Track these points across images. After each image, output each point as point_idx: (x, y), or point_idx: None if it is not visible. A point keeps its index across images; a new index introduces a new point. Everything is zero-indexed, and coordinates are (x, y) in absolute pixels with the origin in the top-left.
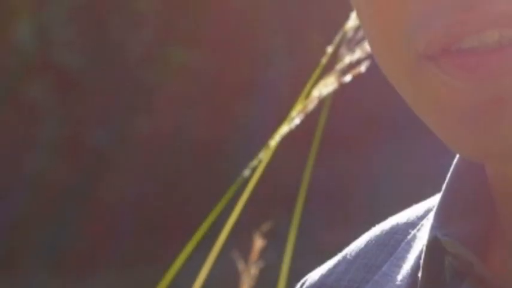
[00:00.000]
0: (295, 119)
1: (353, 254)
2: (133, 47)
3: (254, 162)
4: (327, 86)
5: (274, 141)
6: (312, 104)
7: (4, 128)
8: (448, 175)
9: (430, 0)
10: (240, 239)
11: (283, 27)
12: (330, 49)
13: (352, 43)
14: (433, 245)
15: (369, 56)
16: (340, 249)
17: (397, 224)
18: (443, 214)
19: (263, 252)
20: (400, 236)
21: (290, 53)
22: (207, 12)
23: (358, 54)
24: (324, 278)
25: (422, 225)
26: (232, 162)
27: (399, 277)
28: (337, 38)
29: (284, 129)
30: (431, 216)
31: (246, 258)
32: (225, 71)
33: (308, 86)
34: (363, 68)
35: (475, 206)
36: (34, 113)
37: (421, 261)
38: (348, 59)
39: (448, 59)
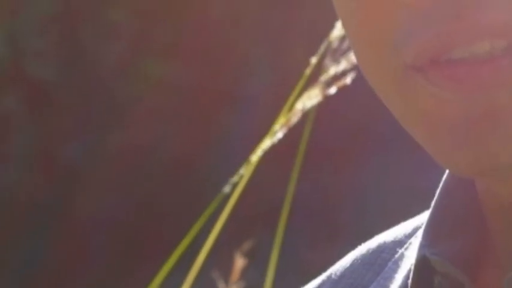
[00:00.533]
0: (278, 132)
1: (338, 273)
2: (107, 58)
3: (235, 178)
4: (311, 99)
5: (256, 156)
6: (295, 117)
7: None
8: (437, 191)
9: (419, 10)
10: (220, 258)
11: (265, 37)
12: (314, 60)
13: (337, 53)
14: (422, 264)
15: (354, 67)
16: (324, 269)
17: (384, 243)
18: (432, 232)
19: (244, 271)
20: (387, 255)
21: (272, 63)
22: (185, 21)
23: (343, 65)
24: None
25: (410, 243)
26: (212, 178)
27: None
28: (322, 48)
29: (266, 143)
30: (419, 234)
31: (226, 278)
32: (204, 83)
33: (291, 98)
34: (348, 80)
35: (465, 223)
36: (4, 126)
37: (409, 282)
38: (332, 70)
39: (436, 70)
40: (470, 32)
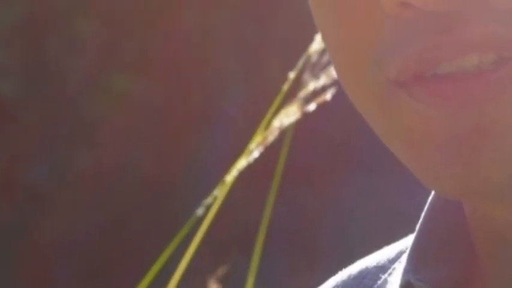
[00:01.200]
0: (254, 151)
1: None
2: (74, 73)
3: (209, 200)
4: (288, 116)
5: (230, 177)
6: (272, 135)
7: None
8: (423, 213)
9: (403, 22)
10: (193, 285)
11: (240, 51)
12: (292, 75)
13: (316, 68)
14: None
15: (334, 83)
16: None
17: (367, 268)
18: (417, 257)
19: None
20: (369, 281)
21: (247, 79)
22: (154, 35)
23: (323, 80)
24: None
25: (394, 268)
26: (185, 200)
27: None
28: (300, 63)
29: (242, 163)
30: (404, 259)
31: None
32: (175, 100)
33: (268, 115)
34: (328, 96)
35: (452, 247)
36: None
37: None
38: (311, 85)
39: (421, 85)
40: (458, 45)
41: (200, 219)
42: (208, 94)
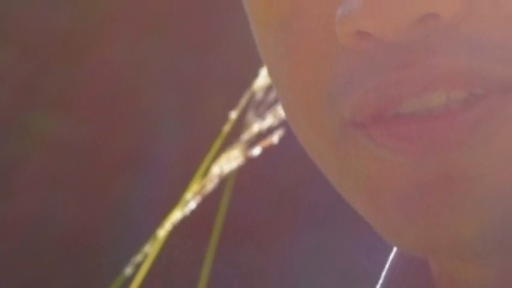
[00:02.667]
0: (190, 202)
1: None
2: None
3: (138, 257)
4: (230, 161)
5: (163, 230)
6: (211, 183)
7: None
8: (383, 273)
9: (360, 55)
10: None
11: (175, 86)
12: (233, 114)
13: (261, 107)
14: None
15: (282, 123)
16: None
17: None
18: None
19: None
20: None
21: (184, 118)
22: (79, 67)
23: (269, 120)
24: None
25: None
26: (111, 256)
27: None
28: (243, 100)
29: (176, 215)
30: None
31: None
32: (102, 142)
33: (206, 160)
34: (275, 138)
35: None
36: None
37: None
38: (256, 126)
39: (381, 127)
40: (423, 80)
41: (128, 280)
42: (140, 135)
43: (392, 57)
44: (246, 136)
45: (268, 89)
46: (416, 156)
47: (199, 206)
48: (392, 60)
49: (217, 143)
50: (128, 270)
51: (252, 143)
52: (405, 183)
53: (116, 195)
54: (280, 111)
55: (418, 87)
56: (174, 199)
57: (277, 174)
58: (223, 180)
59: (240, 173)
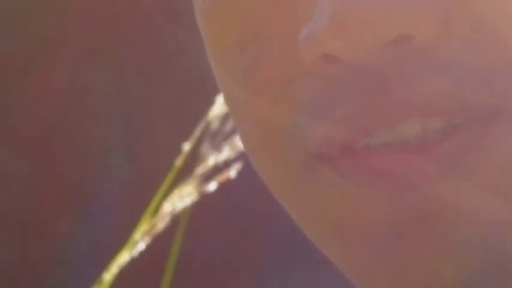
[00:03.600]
0: (139, 242)
1: None
2: None
3: None
4: (183, 198)
5: (110, 274)
6: (162, 222)
7: None
8: None
9: (327, 81)
10: None
11: (123, 116)
12: (187, 146)
13: (217, 138)
14: None
15: (240, 156)
16: None
17: None
18: None
19: None
20: None
21: (132, 150)
22: (18, 94)
23: (226, 153)
24: None
25: None
26: None
27: None
28: (198, 131)
29: (124, 256)
30: None
31: None
32: (43, 177)
33: (157, 197)
34: (232, 173)
35: None
36: None
37: None
38: (212, 159)
39: (350, 160)
40: (396, 109)
41: None
42: (84, 169)
43: (362, 84)
44: (200, 170)
45: (224, 118)
46: (388, 193)
47: (150, 247)
48: (363, 86)
49: (169, 177)
50: None
51: (207, 177)
52: (376, 222)
53: (59, 236)
54: (238, 143)
55: (392, 117)
56: (121, 239)
57: (235, 211)
58: (176, 219)
59: (194, 210)
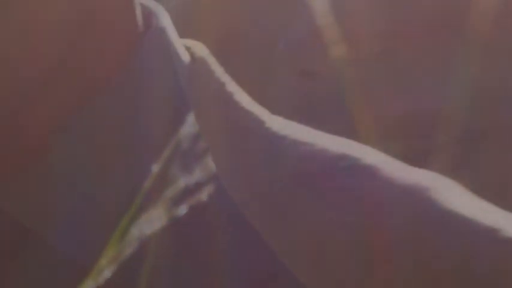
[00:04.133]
0: (104, 271)
1: None
2: None
3: None
4: (151, 222)
5: None
6: (129, 248)
7: None
8: None
9: None
10: None
11: None
12: (155, 167)
13: (188, 158)
14: None
15: (213, 178)
16: None
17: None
18: None
19: None
20: None
21: (96, 173)
22: None
23: (197, 174)
24: None
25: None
26: None
27: None
28: (167, 151)
29: (88, 285)
30: None
31: None
32: None
33: (123, 222)
34: (204, 196)
35: None
36: None
37: None
38: (182, 181)
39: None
40: None
41: None
42: None
43: None
44: (170, 192)
45: (196, 136)
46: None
47: (116, 275)
48: None
49: (137, 200)
50: None
51: (178, 200)
52: None
53: (15, 263)
54: (210, 164)
55: None
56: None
57: (208, 236)
58: (144, 245)
59: (163, 236)
